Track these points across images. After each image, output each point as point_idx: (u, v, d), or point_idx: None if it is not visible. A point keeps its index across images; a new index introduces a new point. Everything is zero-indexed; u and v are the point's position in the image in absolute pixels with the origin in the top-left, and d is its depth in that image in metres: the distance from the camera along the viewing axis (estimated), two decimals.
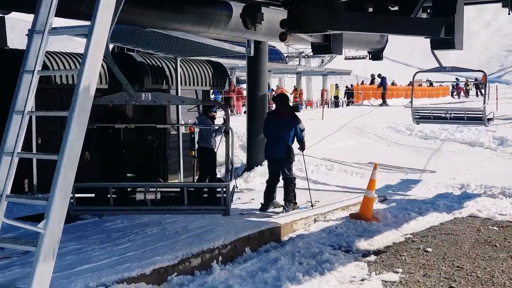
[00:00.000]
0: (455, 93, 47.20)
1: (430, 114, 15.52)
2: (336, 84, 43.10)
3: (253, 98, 14.75)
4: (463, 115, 14.99)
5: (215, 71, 14.26)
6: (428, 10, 9.98)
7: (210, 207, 8.36)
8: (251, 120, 14.82)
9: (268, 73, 26.16)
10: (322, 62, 51.71)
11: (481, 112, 14.62)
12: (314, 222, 9.79)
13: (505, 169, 15.15)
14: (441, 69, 13.21)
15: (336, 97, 40.98)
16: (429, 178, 14.34)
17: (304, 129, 10.18)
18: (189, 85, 13.46)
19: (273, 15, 9.13)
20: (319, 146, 16.80)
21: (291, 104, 10.15)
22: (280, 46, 38.26)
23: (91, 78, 3.54)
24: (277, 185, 10.29)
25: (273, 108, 10.54)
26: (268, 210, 10.05)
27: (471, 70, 14.82)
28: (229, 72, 26.33)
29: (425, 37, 8.21)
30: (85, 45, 3.59)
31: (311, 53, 34.96)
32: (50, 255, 3.42)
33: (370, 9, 8.52)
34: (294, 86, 41.52)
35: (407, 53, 79.90)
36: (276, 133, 9.91)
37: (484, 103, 14.43)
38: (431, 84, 59.52)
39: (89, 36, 3.54)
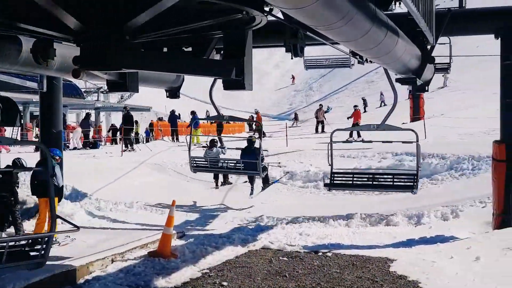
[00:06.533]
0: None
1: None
2: (136, 121, 42.75)
3: (48, 135, 14.09)
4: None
5: (4, 107, 13.33)
6: (222, 52, 10.39)
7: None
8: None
9: (64, 108, 25.26)
10: (122, 98, 51.15)
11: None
12: (112, 263, 9.57)
13: (295, 200, 16.24)
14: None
15: (137, 134, 40.59)
16: (227, 213, 14.83)
17: None
18: None
19: (68, 51, 8.87)
20: (118, 184, 16.53)
21: None
22: (78, 80, 36.95)
23: None
24: None
25: None
26: None
27: (402, 129, 11.45)
28: (21, 108, 24.91)
29: (217, 78, 8.50)
30: None
31: None
32: None
33: (165, 49, 8.66)
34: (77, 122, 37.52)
35: (205, 92, 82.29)
36: None
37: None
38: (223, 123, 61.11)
39: None
